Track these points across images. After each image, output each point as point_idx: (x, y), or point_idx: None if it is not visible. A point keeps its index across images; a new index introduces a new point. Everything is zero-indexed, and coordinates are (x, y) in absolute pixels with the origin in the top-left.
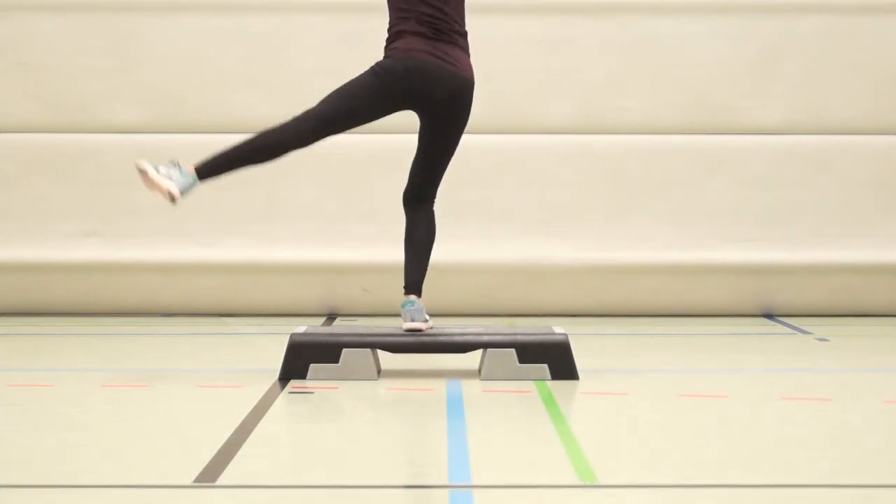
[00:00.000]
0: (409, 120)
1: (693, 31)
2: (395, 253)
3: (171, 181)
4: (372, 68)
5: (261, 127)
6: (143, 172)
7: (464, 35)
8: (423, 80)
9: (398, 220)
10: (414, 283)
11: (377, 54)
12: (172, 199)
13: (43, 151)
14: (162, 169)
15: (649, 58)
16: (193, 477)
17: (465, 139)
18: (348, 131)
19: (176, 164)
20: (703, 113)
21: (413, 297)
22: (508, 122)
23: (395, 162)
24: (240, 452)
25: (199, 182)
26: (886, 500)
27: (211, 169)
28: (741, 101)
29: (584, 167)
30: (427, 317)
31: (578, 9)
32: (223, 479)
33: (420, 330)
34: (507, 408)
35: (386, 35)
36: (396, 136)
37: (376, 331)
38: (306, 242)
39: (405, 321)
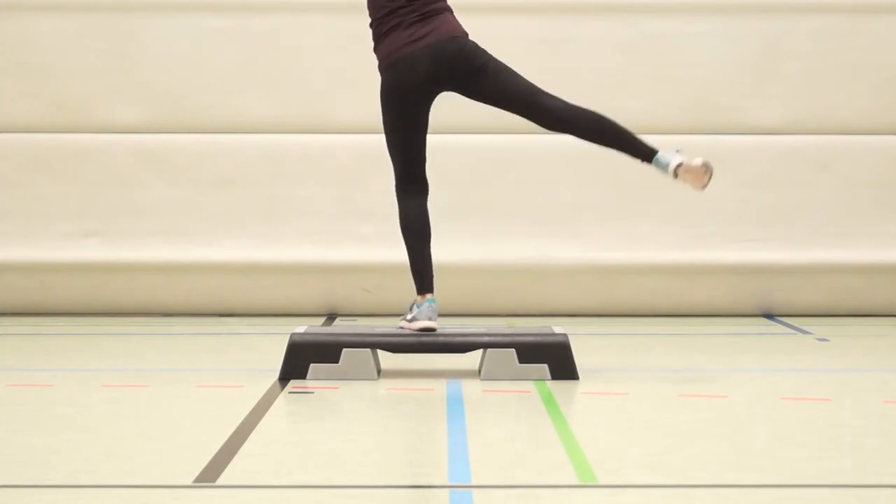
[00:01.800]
0: None
1: (693, 31)
2: (395, 253)
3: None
4: (381, 101)
5: (259, 126)
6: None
7: (444, 3)
8: (420, 67)
9: (398, 220)
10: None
11: None
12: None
13: (43, 151)
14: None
15: (649, 58)
16: (193, 477)
17: (466, 139)
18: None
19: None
20: (703, 113)
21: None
22: (509, 122)
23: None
24: (240, 452)
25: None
26: (886, 500)
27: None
28: (741, 101)
29: (584, 167)
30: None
31: (578, 9)
32: (223, 479)
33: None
34: (507, 408)
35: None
36: None
37: (376, 331)
38: (306, 242)
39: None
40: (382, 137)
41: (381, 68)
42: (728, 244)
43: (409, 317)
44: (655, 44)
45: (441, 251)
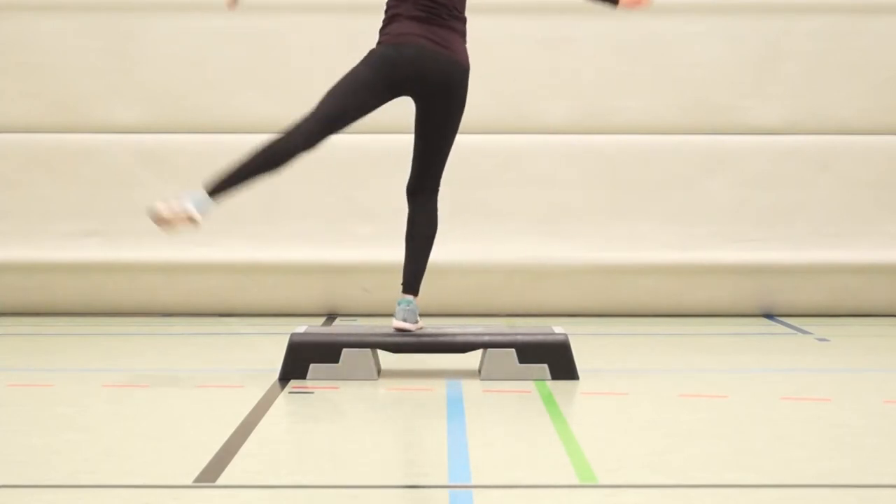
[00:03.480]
0: (409, 119)
1: (693, 31)
2: (395, 253)
3: (185, 207)
4: (366, 58)
5: (259, 126)
6: (157, 216)
7: (462, 20)
8: (418, 64)
9: (398, 220)
10: (410, 282)
11: None
12: (193, 221)
13: (43, 151)
14: (172, 202)
15: (649, 58)
16: (193, 477)
17: (466, 139)
18: (350, 127)
19: (184, 194)
20: (704, 113)
21: (410, 296)
22: (508, 122)
23: (395, 162)
24: (240, 452)
25: (211, 201)
26: (886, 500)
27: (221, 185)
28: (741, 101)
29: (584, 167)
30: (418, 318)
31: (578, 9)
32: (223, 479)
33: (409, 331)
34: (507, 408)
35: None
36: (396, 136)
37: (376, 331)
38: (306, 242)
39: (396, 319)
40: (383, 137)
41: (383, 41)
42: (728, 244)
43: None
44: (655, 44)
45: (441, 251)
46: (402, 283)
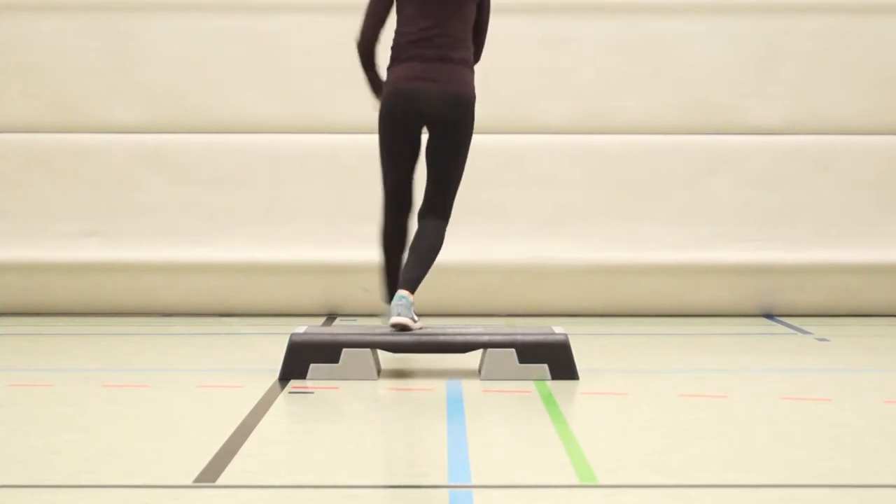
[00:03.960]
0: None
1: (693, 31)
2: None
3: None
4: (379, 118)
5: (259, 126)
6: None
7: (464, 48)
8: (416, 106)
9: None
10: (409, 279)
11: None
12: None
13: (43, 151)
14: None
15: (649, 58)
16: (193, 477)
17: None
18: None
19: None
20: (704, 113)
21: (405, 291)
22: (509, 122)
23: None
24: (240, 452)
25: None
26: (886, 500)
27: (389, 291)
28: (741, 101)
29: (584, 167)
30: (416, 317)
31: (578, 9)
32: (223, 479)
33: (407, 327)
34: (507, 408)
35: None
36: None
37: (376, 331)
38: (306, 242)
39: (392, 315)
40: None
41: (386, 88)
42: (729, 244)
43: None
44: (655, 44)
45: (441, 251)
46: (400, 282)
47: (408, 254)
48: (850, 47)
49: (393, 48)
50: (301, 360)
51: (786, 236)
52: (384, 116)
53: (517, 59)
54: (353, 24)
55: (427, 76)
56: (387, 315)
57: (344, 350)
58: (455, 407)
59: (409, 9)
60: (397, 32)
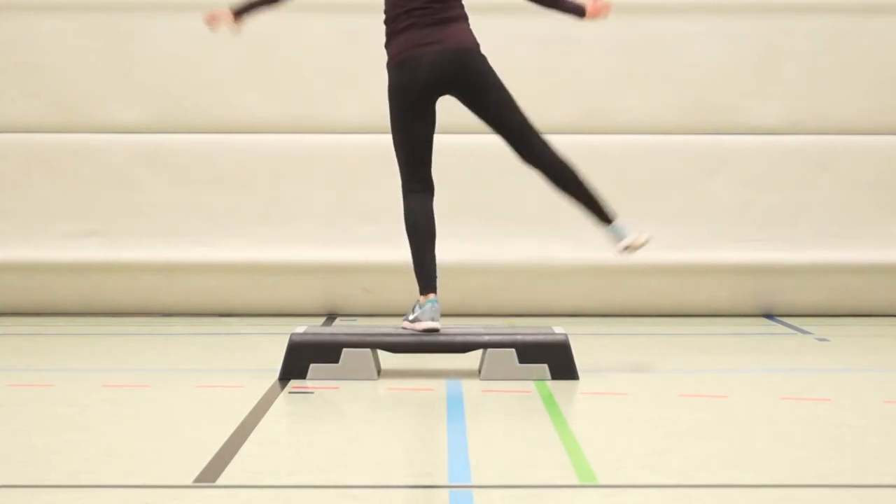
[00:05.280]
0: None
1: (693, 31)
2: (394, 253)
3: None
4: (388, 96)
5: (259, 126)
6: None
7: (457, 6)
8: (423, 73)
9: (398, 220)
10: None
11: (377, 53)
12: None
13: (43, 151)
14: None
15: (649, 58)
16: (193, 477)
17: (467, 139)
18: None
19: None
20: (704, 113)
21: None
22: None
23: (395, 162)
24: (240, 452)
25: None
26: (886, 500)
27: (423, 281)
28: (741, 101)
29: (584, 167)
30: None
31: None
32: (223, 479)
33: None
34: (507, 408)
35: (384, 27)
36: None
37: (376, 331)
38: (306, 242)
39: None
40: (382, 137)
41: (389, 66)
42: (729, 244)
43: (411, 317)
44: (655, 44)
45: (441, 251)
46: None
47: (427, 242)
48: (850, 47)
49: (387, 22)
50: (301, 360)
51: (786, 236)
52: (394, 92)
53: (517, 59)
54: (354, 24)
55: (427, 41)
56: (417, 313)
57: (344, 350)
58: (455, 407)
59: None
60: (389, 5)
